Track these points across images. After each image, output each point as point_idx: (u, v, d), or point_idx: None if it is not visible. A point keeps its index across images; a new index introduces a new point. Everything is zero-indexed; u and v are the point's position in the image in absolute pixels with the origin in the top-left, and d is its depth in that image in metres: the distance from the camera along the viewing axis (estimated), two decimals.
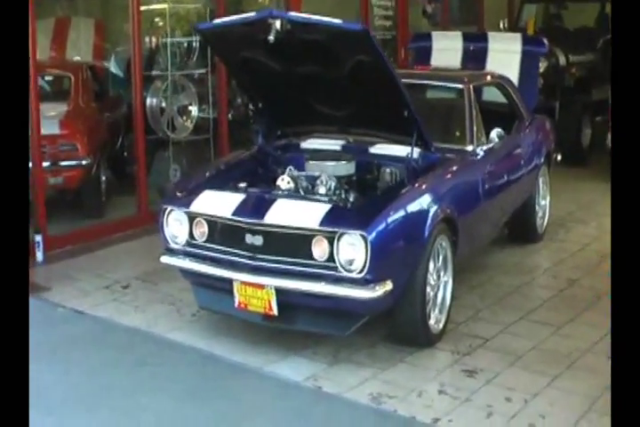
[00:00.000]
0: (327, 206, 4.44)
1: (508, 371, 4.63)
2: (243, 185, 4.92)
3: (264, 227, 4.46)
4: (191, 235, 4.77)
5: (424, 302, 4.71)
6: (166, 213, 4.83)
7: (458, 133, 5.54)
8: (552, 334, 5.13)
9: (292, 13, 4.60)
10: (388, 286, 4.39)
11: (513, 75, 6.90)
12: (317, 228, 4.34)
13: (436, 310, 4.90)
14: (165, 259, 4.91)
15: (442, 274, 4.95)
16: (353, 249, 4.30)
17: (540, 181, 6.81)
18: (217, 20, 4.99)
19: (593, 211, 8.11)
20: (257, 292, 4.52)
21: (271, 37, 4.56)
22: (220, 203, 4.65)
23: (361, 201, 4.79)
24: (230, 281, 4.59)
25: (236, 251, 4.58)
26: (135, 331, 5.17)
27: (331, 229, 4.32)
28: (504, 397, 4.32)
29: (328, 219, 4.34)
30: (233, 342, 4.95)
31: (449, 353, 4.86)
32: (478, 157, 5.49)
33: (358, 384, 4.45)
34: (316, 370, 4.62)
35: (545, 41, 7.09)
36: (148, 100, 7.28)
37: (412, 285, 4.61)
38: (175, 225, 4.81)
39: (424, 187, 4.77)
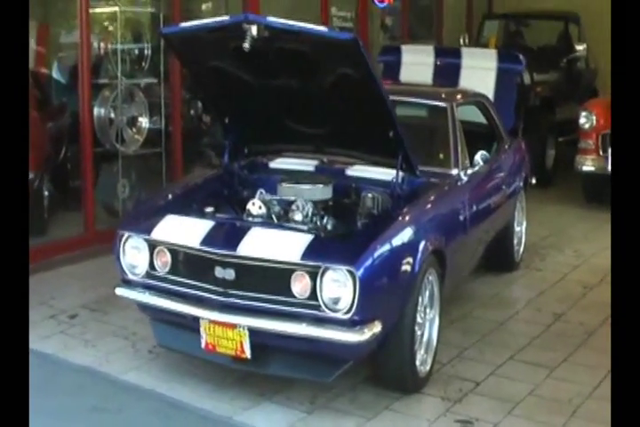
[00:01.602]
0: (308, 237, 3.92)
1: (506, 421, 4.15)
2: (210, 210, 4.36)
3: (236, 259, 3.92)
4: (152, 265, 4.20)
5: (412, 342, 4.22)
6: (123, 239, 4.24)
7: (441, 156, 5.08)
8: (547, 376, 4.67)
9: (271, 18, 4.07)
10: (377, 327, 3.88)
11: (488, 93, 6.49)
12: (298, 262, 3.81)
13: (422, 351, 4.40)
14: (121, 291, 4.32)
15: (428, 311, 4.46)
16: (338, 286, 3.79)
17: (518, 205, 6.41)
18: (185, 24, 4.43)
19: (566, 236, 7.76)
20: (227, 332, 3.96)
21: (246, 45, 4.03)
22: (185, 230, 4.10)
23: (341, 230, 4.27)
24: (197, 319, 4.03)
25: (204, 285, 4.02)
26: (86, 371, 4.56)
27: (313, 264, 3.80)
28: None
29: (310, 251, 3.82)
30: (197, 386, 4.38)
31: (438, 400, 4.36)
32: (463, 181, 5.03)
33: None
34: (292, 419, 4.08)
35: (522, 58, 6.70)
36: (96, 110, 6.66)
37: (401, 324, 4.12)
38: (133, 253, 4.23)
39: (413, 217, 4.28)
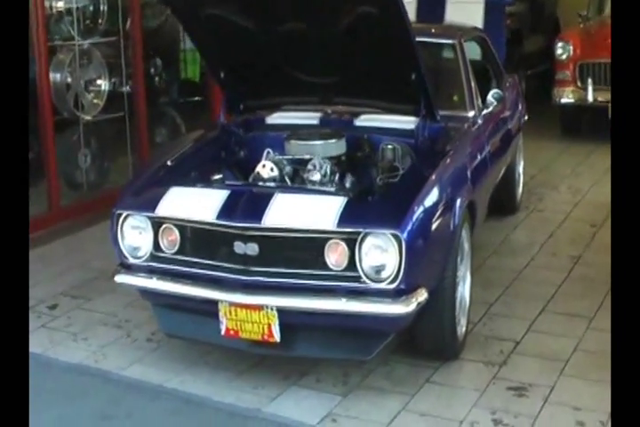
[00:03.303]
0: (341, 200, 3.45)
1: (561, 383, 3.81)
2: (218, 177, 3.87)
3: (261, 231, 3.44)
4: (156, 246, 3.70)
5: (454, 306, 3.83)
6: (120, 219, 3.73)
7: (455, 98, 4.63)
8: (587, 328, 4.35)
9: None
10: (423, 295, 3.47)
11: None
12: (334, 229, 3.36)
13: (458, 313, 4.03)
14: (122, 278, 3.80)
15: (461, 268, 4.07)
16: (381, 253, 3.35)
17: (519, 144, 6.05)
18: None
19: (555, 172, 7.45)
20: (252, 315, 3.50)
21: None
22: (196, 203, 3.59)
23: (368, 188, 3.83)
24: (214, 302, 3.57)
25: (221, 264, 3.54)
26: (82, 369, 4.03)
27: (352, 230, 3.35)
28: (575, 420, 3.51)
29: (346, 216, 3.36)
30: (212, 376, 3.91)
31: (481, 365, 4.00)
32: (479, 123, 4.62)
33: (390, 421, 3.53)
34: (329, 405, 3.66)
35: None
36: (51, 76, 6.00)
37: (442, 287, 3.71)
38: (133, 235, 3.71)
39: (446, 170, 3.84)
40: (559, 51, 8.26)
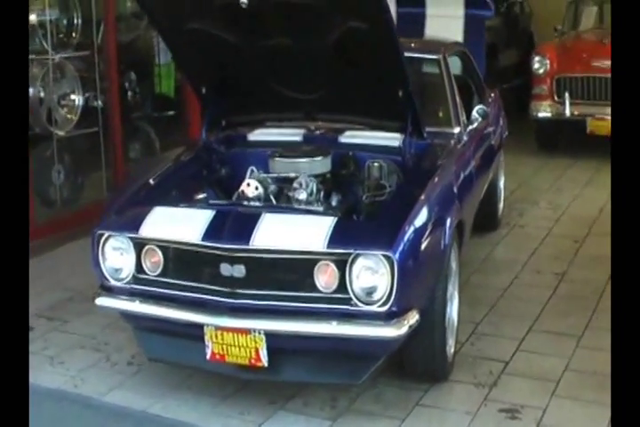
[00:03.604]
0: (331, 220, 3.35)
1: (553, 405, 3.74)
2: (201, 196, 3.76)
3: (248, 253, 3.33)
4: (139, 267, 3.58)
5: (444, 327, 3.75)
6: (102, 240, 3.61)
7: (441, 114, 4.57)
8: (576, 346, 4.29)
9: None
10: (414, 317, 3.39)
11: None
12: (324, 250, 3.26)
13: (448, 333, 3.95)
14: (103, 301, 3.68)
15: (449, 288, 3.99)
16: (372, 274, 3.27)
17: (500, 159, 6.01)
18: None
19: (534, 187, 7.43)
20: (239, 339, 3.39)
21: (244, 0, 3.44)
22: (181, 224, 3.48)
23: (354, 207, 3.74)
24: (199, 326, 3.45)
25: (206, 286, 3.43)
26: (61, 395, 3.88)
27: (342, 251, 3.26)
28: None
29: (336, 237, 3.27)
30: (197, 401, 3.79)
31: (471, 386, 3.92)
32: (464, 140, 4.56)
33: None
34: None
35: (490, 2, 6.21)
36: None
37: (432, 308, 3.63)
38: (115, 256, 3.59)
39: (435, 189, 3.76)
40: (536, 65, 8.26)
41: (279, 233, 3.34)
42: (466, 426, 3.58)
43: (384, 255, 3.23)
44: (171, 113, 7.55)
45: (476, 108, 4.72)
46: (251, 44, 3.86)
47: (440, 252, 3.64)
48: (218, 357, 3.47)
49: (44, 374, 4.09)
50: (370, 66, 3.77)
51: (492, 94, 6.00)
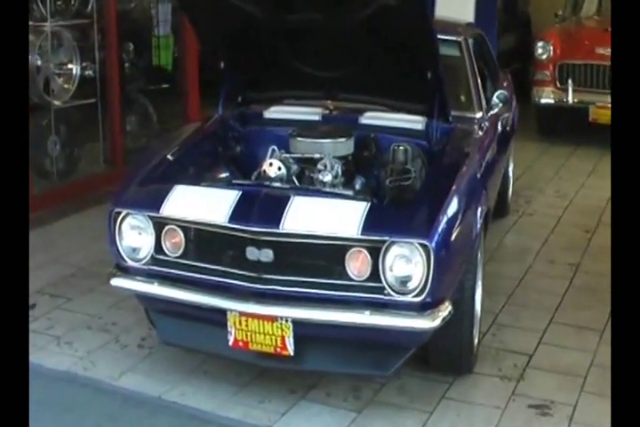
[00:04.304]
0: (364, 205, 3.17)
1: (583, 401, 3.61)
2: (223, 175, 3.55)
3: (277, 237, 3.14)
4: (158, 248, 3.37)
5: (472, 317, 3.60)
6: (119, 218, 3.39)
7: (463, 98, 4.38)
8: (600, 341, 4.16)
9: None
10: (448, 308, 3.22)
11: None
12: (358, 237, 3.08)
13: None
14: (118, 281, 3.46)
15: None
16: (406, 263, 3.09)
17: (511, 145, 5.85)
18: None
19: (538, 175, 7.27)
20: (265, 326, 3.21)
21: None
22: (204, 204, 3.28)
23: (381, 192, 3.56)
24: (222, 311, 3.26)
25: (231, 270, 3.24)
26: (70, 378, 3.70)
27: (377, 238, 3.08)
28: None
29: (370, 223, 3.09)
30: (213, 388, 3.62)
31: (497, 380, 3.77)
32: (486, 125, 4.39)
33: None
34: (344, 423, 3.41)
35: None
36: None
37: (462, 299, 3.47)
38: (132, 235, 3.38)
39: (466, 175, 3.59)
40: (539, 50, 8.10)
41: (310, 217, 3.16)
42: (496, 422, 3.44)
43: (420, 244, 3.07)
44: (168, 86, 7.28)
45: (497, 92, 4.55)
46: (275, 19, 3.66)
47: (471, 241, 3.48)
48: (241, 344, 3.29)
49: (50, 355, 3.90)
50: (400, 45, 3.59)
51: (504, 78, 5.82)
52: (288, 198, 3.23)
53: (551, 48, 8.08)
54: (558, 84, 8.09)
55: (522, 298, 4.66)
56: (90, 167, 6.48)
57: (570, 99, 7.99)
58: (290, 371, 3.60)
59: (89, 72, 6.27)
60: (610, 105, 7.75)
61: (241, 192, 3.30)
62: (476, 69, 4.49)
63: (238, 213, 3.19)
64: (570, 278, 4.96)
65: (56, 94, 6.11)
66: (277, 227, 3.13)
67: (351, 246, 3.12)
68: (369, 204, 3.20)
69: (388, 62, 3.71)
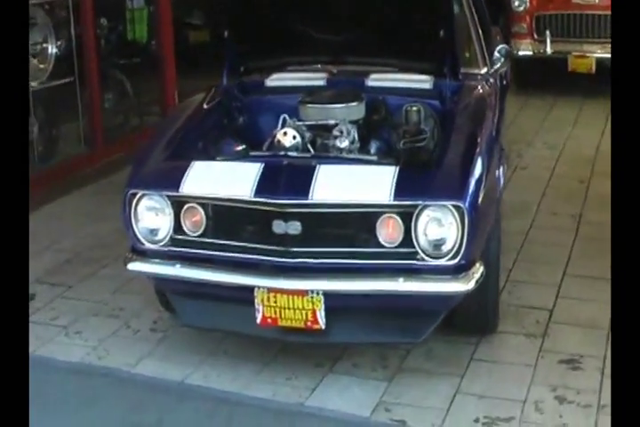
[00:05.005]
0: (392, 170, 3.10)
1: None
2: (240, 148, 3.45)
3: (305, 208, 3.06)
4: (177, 228, 3.28)
5: (498, 276, 3.58)
6: (135, 199, 3.28)
7: (467, 54, 4.30)
8: None
9: None
10: (480, 270, 3.19)
11: None
12: (391, 202, 3.01)
13: None
14: (137, 266, 3.35)
15: None
16: (439, 226, 3.04)
17: None
18: None
19: (525, 127, 7.24)
20: (295, 301, 3.14)
21: None
22: (227, 179, 3.18)
23: (388, 153, 3.50)
24: (250, 289, 3.19)
25: (257, 246, 3.16)
26: (86, 369, 3.59)
27: (410, 203, 3.01)
28: None
29: (402, 188, 3.03)
30: (236, 369, 3.54)
31: (522, 337, 3.76)
32: (491, 81, 4.32)
33: (448, 407, 3.26)
34: (376, 393, 3.36)
35: None
36: None
37: (487, 258, 3.43)
38: (149, 216, 3.27)
39: (486, 134, 3.52)
40: (516, 3, 8.05)
41: (340, 186, 3.08)
42: (529, 380, 3.43)
43: (454, 205, 3.01)
44: (144, 60, 7.10)
45: (499, 47, 4.49)
46: None
47: (495, 200, 3.46)
48: (270, 321, 3.22)
49: (61, 347, 3.78)
50: (414, 3, 3.49)
51: (495, 32, 5.74)
52: (313, 168, 3.14)
53: (527, 0, 8.03)
54: (536, 36, 8.06)
55: (531, 253, 4.65)
56: (70, 148, 6.29)
57: (548, 50, 7.96)
58: (312, 345, 3.56)
59: (65, 50, 6.06)
60: (588, 54, 7.83)
61: (263, 164, 3.20)
62: (478, 24, 4.40)
63: (264, 187, 3.10)
64: (575, 230, 4.96)
65: (32, 75, 5.90)
66: (306, 198, 3.05)
67: (382, 213, 3.06)
68: (397, 168, 3.12)
69: (399, 21, 3.63)
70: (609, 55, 7.85)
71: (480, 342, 3.71)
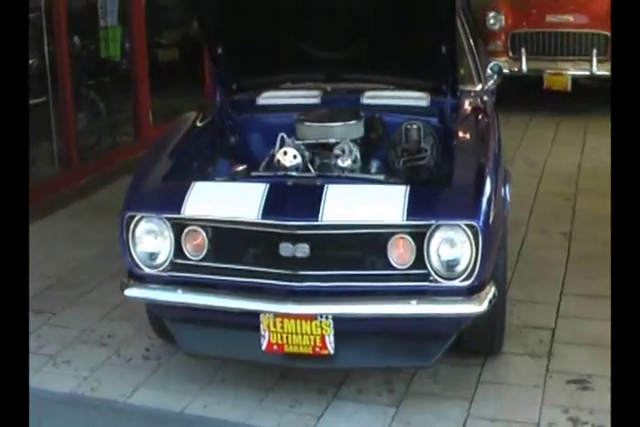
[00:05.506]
0: (403, 189, 3.01)
1: None
2: (241, 168, 3.34)
3: (317, 230, 2.96)
4: (178, 252, 3.15)
5: (505, 296, 3.49)
6: (133, 222, 3.15)
7: (462, 70, 4.25)
8: None
9: None
10: (492, 290, 3.11)
11: None
12: (404, 222, 2.92)
13: None
14: (134, 292, 3.21)
15: None
16: (451, 247, 2.96)
17: None
18: None
19: (504, 144, 7.14)
20: (303, 326, 3.03)
21: None
22: (231, 200, 3.06)
23: (389, 172, 3.43)
24: (255, 314, 3.07)
25: (263, 269, 3.04)
26: (79, 400, 3.42)
27: (423, 223, 2.92)
28: None
29: (414, 208, 2.93)
30: (237, 397, 3.40)
31: (527, 358, 3.68)
32: (485, 97, 4.27)
33: None
34: (385, 419, 3.25)
35: None
36: None
37: (495, 277, 3.34)
38: (148, 240, 3.14)
39: (491, 152, 3.47)
40: (491, 21, 8.10)
41: (350, 206, 2.99)
42: (539, 401, 3.35)
43: (468, 225, 2.93)
44: (117, 79, 6.96)
45: (491, 64, 4.46)
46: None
47: (503, 218, 3.39)
48: (275, 347, 3.10)
49: (50, 378, 3.61)
50: (413, 17, 3.43)
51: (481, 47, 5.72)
52: (322, 188, 3.04)
53: (503, 18, 8.09)
54: (511, 54, 8.11)
55: (527, 271, 4.58)
56: (45, 169, 6.12)
57: (524, 68, 8.00)
58: (315, 370, 3.44)
59: (38, 69, 5.90)
60: (563, 72, 7.91)
61: (268, 185, 3.08)
62: (471, 40, 4.36)
63: (271, 208, 2.99)
64: (566, 247, 4.92)
65: None
66: (317, 219, 2.94)
67: (394, 233, 2.96)
68: (408, 187, 3.04)
69: (399, 38, 3.56)
70: (584, 73, 7.94)
71: (485, 364, 3.62)
